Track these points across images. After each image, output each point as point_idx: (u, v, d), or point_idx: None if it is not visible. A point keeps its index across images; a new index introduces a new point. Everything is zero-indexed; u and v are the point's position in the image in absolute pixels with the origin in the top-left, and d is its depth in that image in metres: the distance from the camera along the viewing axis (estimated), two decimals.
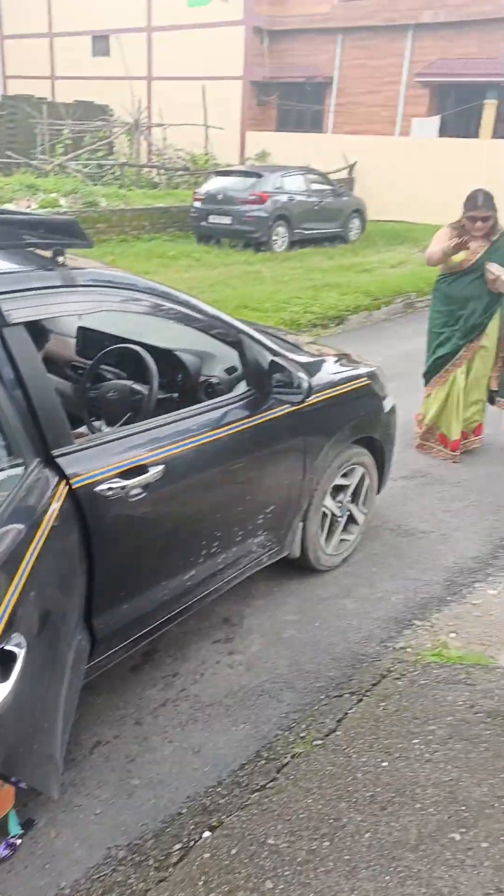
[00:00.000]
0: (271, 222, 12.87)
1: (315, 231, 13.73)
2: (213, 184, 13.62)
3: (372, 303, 9.12)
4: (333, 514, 3.40)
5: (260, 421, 2.81)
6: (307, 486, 3.12)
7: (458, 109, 18.42)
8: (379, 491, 3.78)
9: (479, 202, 4.40)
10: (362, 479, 3.53)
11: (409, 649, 2.98)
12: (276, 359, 2.80)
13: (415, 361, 6.41)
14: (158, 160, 18.78)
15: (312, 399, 2.98)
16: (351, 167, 17.55)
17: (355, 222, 14.62)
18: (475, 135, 17.84)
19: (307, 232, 13.60)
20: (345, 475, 3.41)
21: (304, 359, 3.24)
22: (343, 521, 3.49)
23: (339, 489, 3.42)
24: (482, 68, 16.92)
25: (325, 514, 3.34)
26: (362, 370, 3.51)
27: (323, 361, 3.38)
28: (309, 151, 16.98)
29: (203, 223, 13.36)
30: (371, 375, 3.54)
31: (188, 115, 19.20)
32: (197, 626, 3.09)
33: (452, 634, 3.11)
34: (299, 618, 3.18)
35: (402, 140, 18.20)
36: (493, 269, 4.45)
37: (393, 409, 3.71)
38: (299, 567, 3.41)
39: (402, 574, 3.54)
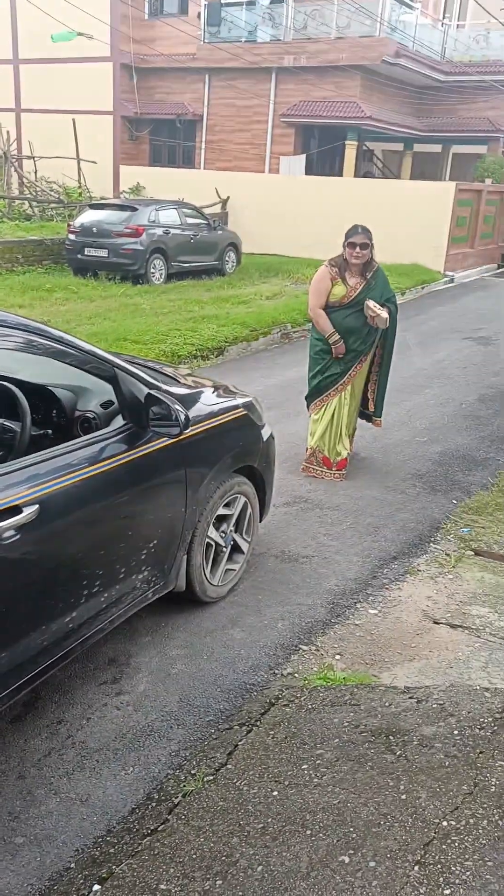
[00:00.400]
0: (148, 255, 12.93)
1: (192, 264, 13.93)
2: (88, 216, 13.55)
3: (250, 334, 9.32)
4: (218, 545, 3.42)
5: (139, 455, 2.79)
6: (190, 518, 3.12)
7: (322, 149, 19.38)
8: (262, 518, 3.83)
9: (358, 230, 4.80)
10: (245, 508, 3.57)
11: (296, 675, 3.02)
12: (153, 392, 2.80)
13: (293, 390, 6.62)
14: (30, 192, 18.44)
15: (191, 431, 3.00)
16: (224, 202, 17.96)
17: (231, 255, 14.95)
18: (339, 172, 18.81)
19: (184, 265, 13.77)
20: (227, 505, 3.44)
21: (181, 391, 3.26)
22: (227, 550, 3.50)
23: (222, 519, 3.44)
24: (341, 111, 17.94)
25: (209, 545, 3.35)
26: (239, 401, 3.57)
27: (201, 393, 3.41)
28: (182, 186, 17.25)
29: (79, 256, 13.23)
30: (248, 406, 3.60)
31: (60, 148, 19.05)
32: (82, 668, 3.00)
33: (337, 656, 3.18)
34: (188, 652, 3.15)
35: (271, 177, 18.88)
36: (372, 305, 4.79)
37: (271, 438, 3.80)
38: (186, 600, 3.39)
39: (287, 600, 3.59)
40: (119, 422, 2.82)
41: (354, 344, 4.92)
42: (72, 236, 13.34)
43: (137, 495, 2.81)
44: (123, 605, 2.86)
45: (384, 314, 4.78)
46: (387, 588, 3.77)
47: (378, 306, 4.78)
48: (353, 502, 4.77)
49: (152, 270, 13.14)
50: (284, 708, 2.76)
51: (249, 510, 3.60)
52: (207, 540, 3.31)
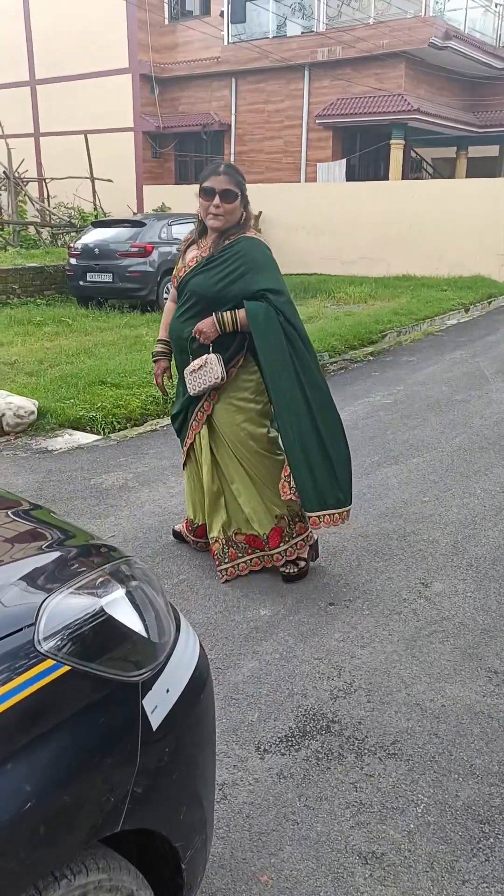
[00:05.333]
0: (159, 277, 10.86)
1: None
2: (91, 236, 11.58)
3: None
4: None
5: None
6: None
7: (364, 151, 17.10)
8: None
9: (219, 168, 2.93)
10: None
11: None
12: None
13: None
14: (41, 217, 16.71)
15: None
16: (256, 218, 15.86)
17: None
18: (385, 176, 16.49)
19: None
20: None
21: None
22: None
23: None
24: (384, 106, 15.61)
25: None
26: (58, 638, 1.16)
27: None
28: None
29: (81, 283, 11.26)
30: (93, 630, 1.21)
31: (79, 170, 17.33)
32: None
33: None
34: None
35: (308, 186, 16.66)
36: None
37: (198, 697, 1.37)
38: None
39: None
40: None
41: (184, 365, 3.11)
42: (72, 260, 11.39)
43: None
44: None
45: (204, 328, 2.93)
46: None
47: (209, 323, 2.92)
48: (431, 742, 2.35)
49: (165, 295, 11.04)
50: None
51: None
52: None
